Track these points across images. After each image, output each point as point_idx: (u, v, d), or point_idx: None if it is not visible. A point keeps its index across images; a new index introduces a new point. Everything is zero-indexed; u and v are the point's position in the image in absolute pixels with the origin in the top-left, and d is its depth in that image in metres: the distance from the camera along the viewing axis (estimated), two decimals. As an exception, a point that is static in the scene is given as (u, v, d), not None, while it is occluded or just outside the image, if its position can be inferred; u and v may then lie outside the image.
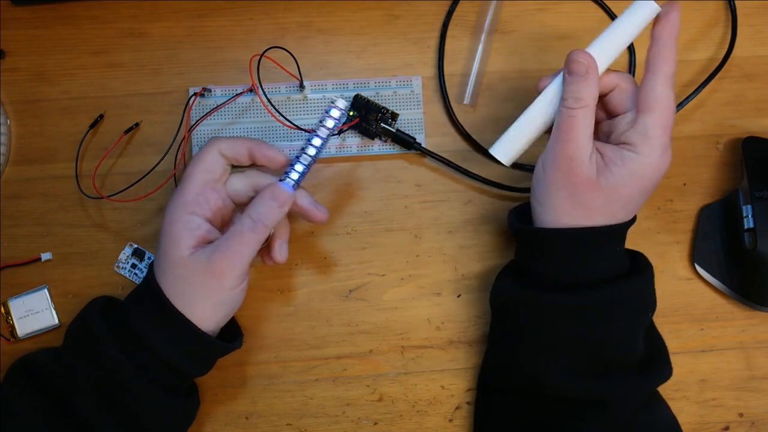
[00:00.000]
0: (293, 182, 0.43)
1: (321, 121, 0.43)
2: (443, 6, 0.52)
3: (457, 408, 0.49)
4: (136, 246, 0.49)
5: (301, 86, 0.50)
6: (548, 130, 0.43)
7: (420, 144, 0.50)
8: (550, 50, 0.51)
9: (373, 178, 0.51)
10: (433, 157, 0.50)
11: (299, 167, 0.43)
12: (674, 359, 0.50)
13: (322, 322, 0.50)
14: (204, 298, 0.41)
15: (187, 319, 0.41)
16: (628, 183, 0.40)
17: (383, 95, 0.50)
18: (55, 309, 0.49)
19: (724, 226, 0.50)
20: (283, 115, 0.45)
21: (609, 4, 0.52)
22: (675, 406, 0.49)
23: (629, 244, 0.50)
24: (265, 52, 0.44)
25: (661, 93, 0.40)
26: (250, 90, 0.49)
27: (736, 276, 0.49)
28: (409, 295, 0.50)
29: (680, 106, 0.50)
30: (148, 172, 0.48)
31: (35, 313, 0.49)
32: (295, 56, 0.47)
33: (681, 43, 0.52)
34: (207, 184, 0.42)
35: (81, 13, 0.51)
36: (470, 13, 0.52)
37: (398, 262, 0.50)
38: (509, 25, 0.52)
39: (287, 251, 0.45)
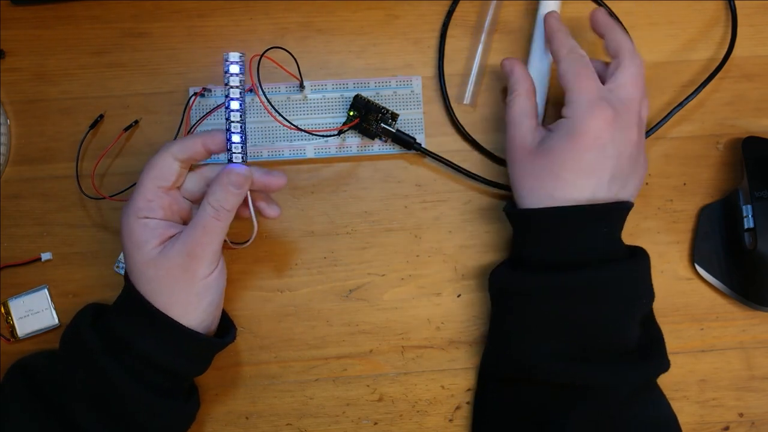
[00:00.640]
0: (241, 158, 0.42)
1: (227, 83, 0.41)
2: (443, 6, 0.52)
3: (457, 408, 0.49)
4: (136, 246, 0.49)
5: (301, 86, 0.50)
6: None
7: (420, 144, 0.50)
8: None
9: (373, 178, 0.51)
10: (433, 158, 0.50)
11: (236, 138, 0.42)
12: (674, 359, 0.50)
13: (322, 322, 0.50)
14: (181, 292, 0.41)
15: (172, 320, 0.41)
16: (561, 142, 0.43)
17: (383, 95, 0.50)
18: (55, 309, 0.49)
19: (724, 226, 0.50)
20: (282, 116, 0.45)
21: (608, 4, 0.52)
22: (675, 406, 0.49)
23: (626, 243, 0.50)
24: (265, 52, 0.44)
25: (563, 70, 0.45)
26: (250, 90, 0.49)
27: (736, 276, 0.49)
28: (409, 295, 0.50)
29: (680, 106, 0.50)
30: (148, 172, 0.48)
31: (35, 313, 0.49)
32: (295, 56, 0.47)
33: (681, 43, 0.52)
34: (159, 189, 0.42)
35: (81, 13, 0.51)
36: (470, 13, 0.52)
37: (398, 262, 0.50)
38: (509, 25, 0.52)
39: (277, 206, 0.45)
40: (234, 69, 0.41)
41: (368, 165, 0.51)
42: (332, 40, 0.52)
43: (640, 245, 0.50)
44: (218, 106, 0.48)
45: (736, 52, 0.51)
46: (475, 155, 0.51)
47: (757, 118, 0.52)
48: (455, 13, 0.52)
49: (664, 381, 0.49)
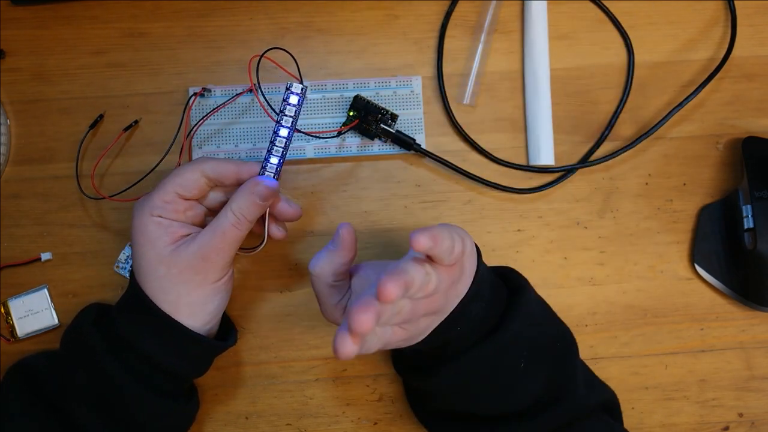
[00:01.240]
0: (273, 176, 0.43)
1: (282, 110, 0.43)
2: (443, 6, 0.52)
3: (457, 408, 0.49)
4: (136, 246, 0.49)
5: (301, 86, 0.50)
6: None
7: (420, 145, 0.50)
8: (549, 50, 0.51)
9: (373, 178, 0.51)
10: (433, 158, 0.50)
11: (274, 160, 0.43)
12: (674, 359, 0.50)
13: (322, 322, 0.50)
14: (189, 295, 0.41)
15: (175, 321, 0.40)
16: None
17: (383, 95, 0.50)
18: (55, 309, 0.49)
19: (724, 226, 0.50)
20: (282, 117, 0.45)
21: (607, 4, 0.52)
22: (675, 406, 0.49)
23: (625, 243, 0.50)
24: (264, 53, 0.44)
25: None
26: (250, 90, 0.49)
27: (736, 276, 0.49)
28: (409, 295, 0.50)
29: (680, 106, 0.50)
30: (149, 173, 0.48)
31: (35, 313, 0.49)
32: (295, 56, 0.47)
33: (681, 43, 0.52)
34: (178, 196, 0.42)
35: (81, 13, 0.51)
36: (470, 13, 0.52)
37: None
38: (509, 25, 0.52)
39: (284, 229, 0.45)
40: (293, 100, 0.43)
41: (368, 165, 0.51)
42: (332, 40, 0.52)
43: (640, 246, 0.50)
44: (219, 107, 0.48)
45: (735, 52, 0.51)
46: (475, 155, 0.51)
47: (757, 118, 0.52)
48: (455, 13, 0.52)
49: (664, 381, 0.50)
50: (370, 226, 0.50)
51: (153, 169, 0.48)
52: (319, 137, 0.49)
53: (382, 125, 0.49)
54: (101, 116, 0.50)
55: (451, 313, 0.39)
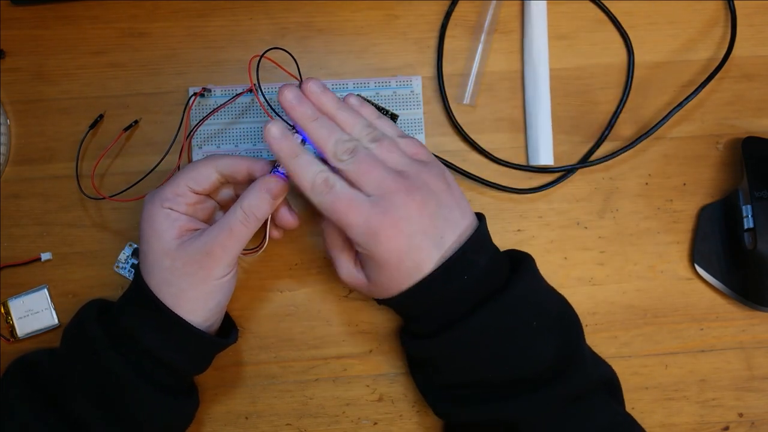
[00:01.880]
0: (284, 174, 0.42)
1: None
2: (443, 6, 0.52)
3: (457, 408, 0.49)
4: (136, 246, 0.49)
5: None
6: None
7: (420, 144, 0.50)
8: (549, 50, 0.51)
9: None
10: (433, 157, 0.50)
11: None
12: (674, 359, 0.50)
13: (322, 322, 0.50)
14: (192, 289, 0.41)
15: (178, 317, 0.41)
16: (372, 269, 0.41)
17: (383, 95, 0.50)
18: (55, 309, 0.49)
19: (724, 226, 0.50)
20: (281, 117, 0.45)
21: (607, 4, 0.52)
22: (675, 406, 0.49)
23: (625, 243, 0.50)
24: (264, 53, 0.44)
25: (318, 206, 0.40)
26: (250, 90, 0.49)
27: (736, 276, 0.49)
28: (409, 295, 0.50)
29: (680, 106, 0.50)
30: (149, 173, 0.48)
31: (35, 313, 0.49)
32: (295, 56, 0.47)
33: (681, 43, 0.52)
34: (190, 190, 0.42)
35: (81, 13, 0.51)
36: (470, 13, 0.52)
37: (398, 262, 0.50)
38: (509, 25, 0.52)
39: (281, 231, 0.45)
40: None
41: (368, 165, 0.51)
42: (332, 40, 0.52)
43: (640, 246, 0.50)
44: (219, 107, 0.48)
45: (735, 52, 0.51)
46: (475, 155, 0.51)
47: (757, 118, 0.52)
48: (455, 13, 0.52)
49: (664, 381, 0.50)
50: (370, 226, 0.50)
51: (153, 169, 0.48)
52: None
53: (382, 125, 0.49)
54: (101, 116, 0.50)
55: (453, 257, 0.40)
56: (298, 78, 0.48)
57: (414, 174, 0.40)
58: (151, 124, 0.51)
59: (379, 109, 0.49)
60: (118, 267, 0.49)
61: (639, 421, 0.43)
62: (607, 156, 0.50)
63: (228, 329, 0.46)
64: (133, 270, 0.49)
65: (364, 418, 0.49)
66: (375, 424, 0.49)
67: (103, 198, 0.48)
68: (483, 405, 0.41)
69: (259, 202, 0.41)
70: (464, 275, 0.40)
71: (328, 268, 0.50)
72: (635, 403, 0.50)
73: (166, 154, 0.49)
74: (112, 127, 0.50)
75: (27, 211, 0.50)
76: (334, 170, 0.40)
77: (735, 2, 0.52)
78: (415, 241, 0.39)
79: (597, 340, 0.50)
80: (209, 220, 0.45)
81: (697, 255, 0.50)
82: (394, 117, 0.50)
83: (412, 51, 0.52)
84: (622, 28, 0.52)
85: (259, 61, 0.44)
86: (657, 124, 0.50)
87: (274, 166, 0.43)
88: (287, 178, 0.42)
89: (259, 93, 0.46)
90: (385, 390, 0.49)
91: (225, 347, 0.45)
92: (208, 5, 0.51)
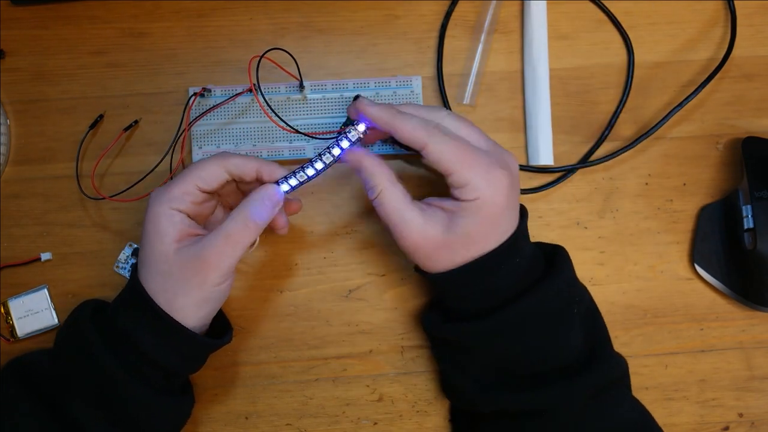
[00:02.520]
0: (288, 188, 0.42)
1: (337, 140, 0.43)
2: (443, 6, 0.52)
3: (457, 408, 0.49)
4: (135, 246, 0.49)
5: (301, 86, 0.50)
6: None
7: (420, 144, 0.50)
8: (549, 50, 0.51)
9: (355, 172, 0.51)
10: (433, 157, 0.50)
11: (293, 181, 0.42)
12: (674, 359, 0.50)
13: (322, 322, 0.50)
14: (187, 295, 0.41)
15: (171, 318, 0.40)
16: (475, 222, 0.40)
17: (383, 95, 0.50)
18: (54, 309, 0.49)
19: (724, 226, 0.50)
20: (281, 117, 0.45)
21: (607, 4, 0.52)
22: (675, 406, 0.49)
23: (625, 243, 0.50)
24: (264, 53, 0.44)
25: (435, 154, 0.40)
26: (249, 90, 0.49)
27: (736, 276, 0.49)
28: (409, 295, 0.50)
29: (680, 106, 0.50)
30: (149, 173, 0.48)
31: (35, 313, 0.49)
32: (295, 56, 0.47)
33: (681, 43, 0.52)
34: (197, 189, 0.42)
35: (81, 13, 0.51)
36: (470, 13, 0.52)
37: (398, 262, 0.50)
38: (509, 25, 0.52)
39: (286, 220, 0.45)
40: (344, 143, 0.42)
41: (368, 165, 0.51)
42: (332, 40, 0.52)
43: (640, 246, 0.50)
44: (216, 106, 0.48)
45: (735, 52, 0.51)
46: (475, 155, 0.51)
47: (757, 118, 0.52)
48: (455, 13, 0.52)
49: (664, 381, 0.50)
50: (370, 226, 0.50)
51: (153, 169, 0.48)
52: (320, 137, 0.49)
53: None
54: (101, 116, 0.50)
55: (511, 238, 0.41)
56: (298, 78, 0.48)
57: (499, 152, 0.42)
58: (151, 124, 0.51)
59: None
60: (118, 267, 0.49)
61: (639, 420, 0.43)
62: (607, 156, 0.50)
63: (223, 328, 0.46)
64: (133, 270, 0.49)
65: (364, 418, 0.49)
66: (375, 424, 0.49)
67: (103, 198, 0.48)
68: (516, 392, 0.42)
69: (259, 209, 0.41)
70: (516, 258, 0.42)
71: (328, 267, 0.50)
72: (635, 403, 0.50)
73: (166, 154, 0.49)
74: (112, 127, 0.50)
75: (27, 211, 0.50)
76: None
77: (735, 2, 0.52)
78: (512, 202, 0.41)
79: (597, 340, 0.50)
80: (210, 218, 0.45)
81: (697, 255, 0.50)
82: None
83: (412, 51, 0.52)
84: (622, 28, 0.52)
85: (259, 61, 0.44)
86: (657, 124, 0.50)
87: (281, 181, 0.42)
88: (282, 191, 0.42)
89: (259, 93, 0.46)
90: (385, 390, 0.49)
91: (219, 348, 0.45)
92: (208, 5, 0.51)
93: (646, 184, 0.51)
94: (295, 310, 0.50)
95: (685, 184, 0.51)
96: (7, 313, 0.49)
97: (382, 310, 0.50)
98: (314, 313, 0.50)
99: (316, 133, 0.49)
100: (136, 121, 0.50)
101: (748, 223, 0.48)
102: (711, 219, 0.51)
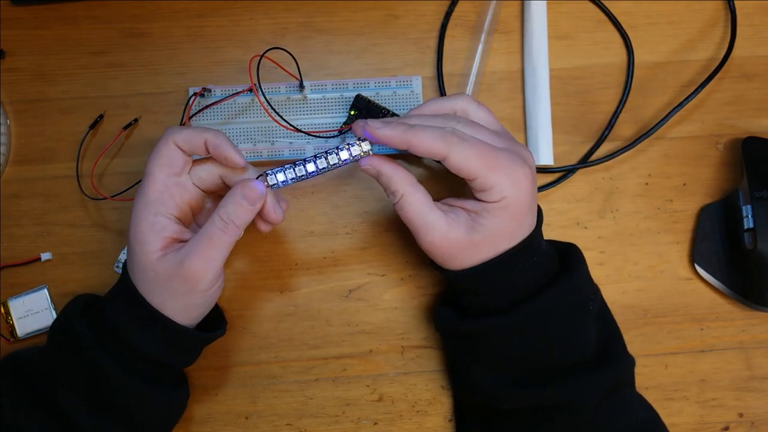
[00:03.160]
0: (269, 184, 0.41)
1: (337, 149, 0.42)
2: (443, 6, 0.52)
3: (457, 408, 0.49)
4: (136, 246, 0.49)
5: (301, 86, 0.50)
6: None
7: (420, 144, 0.50)
8: (549, 50, 0.51)
9: (373, 179, 0.51)
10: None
11: (281, 176, 0.41)
12: (674, 359, 0.50)
13: (322, 322, 0.50)
14: (176, 300, 0.40)
15: (163, 315, 0.40)
16: (502, 222, 0.40)
17: (383, 95, 0.50)
18: (55, 309, 0.49)
19: (724, 226, 0.50)
20: (281, 116, 0.45)
21: (607, 4, 0.52)
22: (675, 406, 0.49)
23: (625, 243, 0.50)
24: (264, 53, 0.44)
25: (458, 160, 0.39)
26: (249, 90, 0.49)
27: (736, 276, 0.49)
28: (409, 295, 0.50)
29: (680, 106, 0.50)
30: (148, 172, 0.48)
31: (35, 313, 0.49)
32: (295, 56, 0.47)
33: (681, 43, 0.52)
34: (169, 178, 0.41)
35: (81, 13, 0.51)
36: (470, 13, 0.52)
37: (398, 262, 0.50)
38: (509, 25, 0.52)
39: (281, 212, 0.43)
40: (343, 154, 0.42)
41: (368, 165, 0.51)
42: (332, 40, 0.52)
43: (640, 246, 0.50)
44: (213, 103, 0.48)
45: (735, 52, 0.51)
46: (475, 155, 0.51)
47: (757, 118, 0.52)
48: (455, 13, 0.52)
49: (664, 381, 0.50)
50: (370, 226, 0.50)
51: (153, 169, 0.48)
52: (319, 137, 0.49)
53: (382, 125, 0.49)
54: (101, 116, 0.50)
55: (530, 236, 0.41)
56: (298, 78, 0.48)
57: (517, 148, 0.42)
58: (151, 124, 0.51)
59: (381, 109, 0.49)
60: (118, 267, 0.49)
61: (640, 420, 0.43)
62: (607, 156, 0.50)
63: (216, 320, 0.46)
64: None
65: (364, 418, 0.49)
66: (375, 424, 0.49)
67: (103, 198, 0.48)
68: (537, 386, 0.42)
69: (236, 209, 0.40)
70: (534, 255, 0.42)
71: (328, 268, 0.50)
72: (635, 403, 0.50)
73: (166, 154, 0.49)
74: (112, 127, 0.50)
75: (27, 211, 0.50)
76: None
77: (735, 2, 0.52)
78: (534, 198, 0.41)
79: (597, 340, 0.50)
80: (198, 213, 0.44)
81: (697, 255, 0.50)
82: (394, 117, 0.50)
83: (412, 51, 0.52)
84: (622, 28, 0.52)
85: (260, 61, 0.44)
86: (657, 124, 0.50)
87: (265, 172, 0.42)
88: (263, 186, 0.41)
89: (260, 93, 0.46)
90: (385, 390, 0.49)
91: (212, 341, 0.45)
92: (208, 5, 0.51)
93: (646, 184, 0.51)
94: (295, 310, 0.50)
95: (685, 184, 0.51)
96: (7, 313, 0.49)
97: (382, 310, 0.50)
98: (314, 313, 0.50)
99: (316, 132, 0.49)
100: (135, 120, 0.50)
101: (748, 223, 0.48)
102: (711, 219, 0.51)
